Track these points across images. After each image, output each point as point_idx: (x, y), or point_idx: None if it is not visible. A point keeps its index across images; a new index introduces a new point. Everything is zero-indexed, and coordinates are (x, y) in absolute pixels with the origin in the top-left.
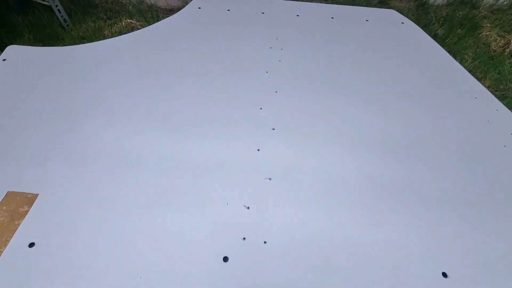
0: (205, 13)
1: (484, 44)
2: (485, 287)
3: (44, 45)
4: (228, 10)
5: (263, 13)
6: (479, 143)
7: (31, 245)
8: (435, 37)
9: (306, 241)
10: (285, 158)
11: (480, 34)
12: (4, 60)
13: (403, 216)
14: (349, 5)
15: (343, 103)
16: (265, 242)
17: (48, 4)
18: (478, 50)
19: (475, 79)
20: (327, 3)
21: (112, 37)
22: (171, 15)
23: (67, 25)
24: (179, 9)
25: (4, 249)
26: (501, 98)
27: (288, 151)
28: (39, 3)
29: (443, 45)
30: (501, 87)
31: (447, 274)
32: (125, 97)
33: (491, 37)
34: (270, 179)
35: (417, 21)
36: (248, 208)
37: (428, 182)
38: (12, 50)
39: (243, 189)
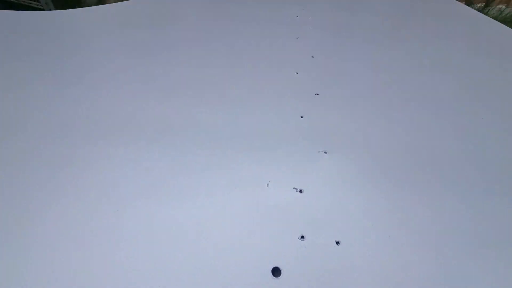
0: None
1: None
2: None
3: None
4: None
5: None
6: None
7: None
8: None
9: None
10: (337, 126)
11: None
12: None
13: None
14: None
15: (385, 59)
16: (337, 242)
17: (42, 8)
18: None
19: None
20: None
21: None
22: None
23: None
24: None
25: None
26: None
27: (337, 118)
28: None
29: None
30: None
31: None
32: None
33: None
34: (325, 152)
35: None
36: (300, 191)
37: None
38: None
39: (290, 166)
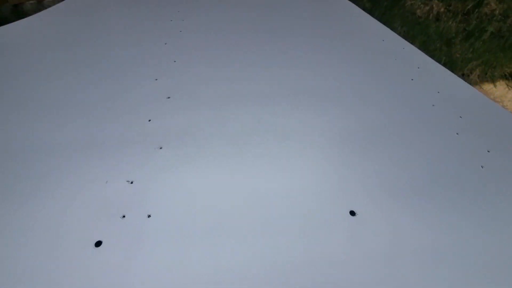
0: None
1: (410, 13)
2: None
3: None
4: None
5: None
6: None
7: None
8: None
9: (198, 208)
10: (178, 125)
11: (406, 4)
12: None
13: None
14: None
15: (246, 66)
16: (149, 216)
17: None
18: (405, 19)
19: (392, 32)
20: None
21: None
22: None
23: None
24: None
25: None
26: (432, 55)
27: (181, 119)
28: None
29: (372, 16)
30: (431, 47)
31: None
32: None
33: (416, 5)
34: (161, 148)
35: None
36: (131, 182)
37: (340, 126)
38: None
39: (127, 163)
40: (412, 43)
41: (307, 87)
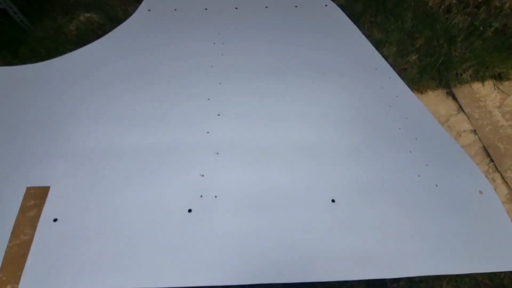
0: (154, 15)
1: (423, 2)
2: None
3: (8, 50)
4: (175, 9)
5: (206, 9)
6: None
7: (55, 220)
8: (377, 1)
9: (243, 191)
10: (230, 137)
11: None
12: None
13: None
14: None
15: (273, 85)
16: (215, 196)
17: (2, 7)
18: (416, 10)
19: (379, 55)
20: None
21: (72, 34)
22: (124, 2)
23: (26, 26)
24: None
25: (37, 224)
26: (432, 54)
27: (232, 133)
28: None
29: (384, 8)
30: (434, 43)
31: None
32: (100, 102)
33: None
34: (217, 153)
35: None
36: (203, 175)
37: (323, 137)
38: None
39: (197, 163)
40: (418, 38)
41: (309, 109)
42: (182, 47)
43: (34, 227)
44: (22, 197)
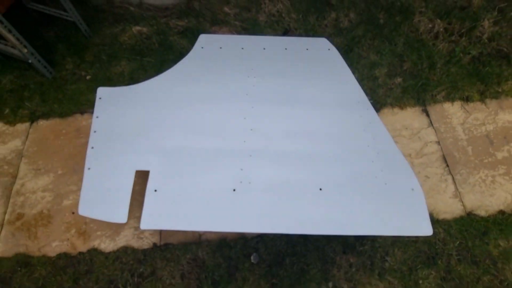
0: (207, 51)
1: (415, 29)
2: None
3: (78, 55)
4: (220, 47)
5: (242, 48)
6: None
7: (155, 190)
8: (376, 26)
9: (269, 181)
10: (259, 145)
11: (414, 20)
12: (100, 98)
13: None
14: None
15: (287, 110)
16: (249, 182)
17: (72, 19)
18: (408, 35)
19: (362, 91)
20: (285, 33)
21: (127, 43)
22: (165, 13)
23: (88, 35)
24: (173, 6)
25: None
26: (415, 77)
27: (260, 142)
28: (60, 17)
29: (381, 33)
30: (418, 67)
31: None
32: (176, 116)
33: (422, 21)
34: (250, 155)
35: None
36: (241, 169)
37: (317, 147)
38: (101, 90)
39: (239, 161)
40: (406, 61)
41: (310, 128)
42: (227, 78)
43: (143, 194)
44: (133, 177)
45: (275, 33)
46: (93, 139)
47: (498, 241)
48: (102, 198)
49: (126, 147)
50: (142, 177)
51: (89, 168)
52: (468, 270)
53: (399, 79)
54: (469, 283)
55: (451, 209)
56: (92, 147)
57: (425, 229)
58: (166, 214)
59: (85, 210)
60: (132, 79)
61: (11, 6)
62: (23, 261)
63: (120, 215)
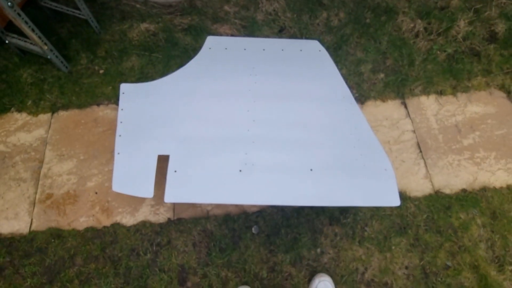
0: (214, 52)
1: (398, 28)
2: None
3: (90, 51)
4: (226, 48)
5: (245, 49)
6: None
7: (175, 171)
8: (363, 25)
9: (274, 165)
10: (260, 133)
11: (397, 20)
12: (123, 93)
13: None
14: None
15: (284, 104)
16: (252, 164)
17: (84, 17)
18: (392, 34)
19: (347, 87)
20: (282, 35)
21: (135, 40)
22: (169, 11)
23: (99, 31)
24: (177, 4)
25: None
26: (396, 73)
27: (261, 131)
28: (72, 15)
29: (367, 31)
30: (399, 64)
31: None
32: (191, 108)
33: (405, 21)
34: (253, 142)
35: (354, 9)
36: (246, 154)
37: (309, 135)
38: (124, 86)
39: (243, 146)
40: (388, 58)
41: (303, 119)
42: (232, 76)
43: (164, 174)
44: (156, 160)
45: (272, 31)
46: (120, 129)
47: (459, 214)
48: (131, 178)
49: (149, 135)
50: (164, 160)
51: (118, 153)
52: (433, 238)
53: (382, 75)
54: (434, 248)
55: (421, 188)
56: (120, 135)
57: (395, 201)
58: (184, 190)
59: (118, 187)
60: (142, 73)
61: (25, 3)
62: (56, 234)
63: (147, 191)
